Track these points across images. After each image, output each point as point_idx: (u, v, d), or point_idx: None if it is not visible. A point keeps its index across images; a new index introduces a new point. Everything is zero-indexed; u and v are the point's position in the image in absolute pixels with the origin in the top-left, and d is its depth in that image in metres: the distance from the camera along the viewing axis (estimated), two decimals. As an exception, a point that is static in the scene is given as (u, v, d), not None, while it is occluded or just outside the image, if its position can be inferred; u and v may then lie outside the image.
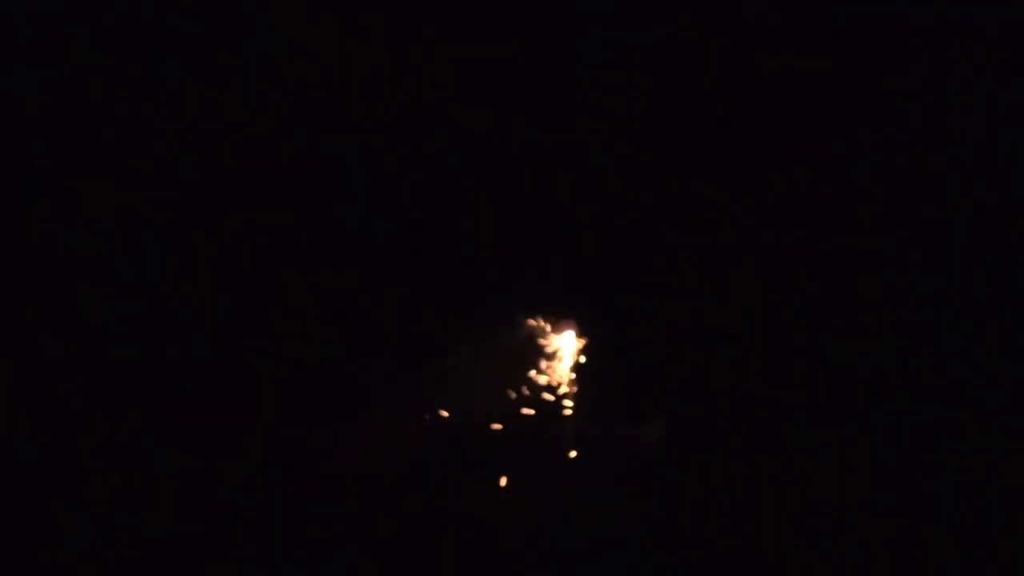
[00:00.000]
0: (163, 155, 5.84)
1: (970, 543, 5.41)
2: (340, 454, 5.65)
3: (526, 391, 5.78)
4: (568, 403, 5.76)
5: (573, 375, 5.79)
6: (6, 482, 5.55)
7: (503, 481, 5.65)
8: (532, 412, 5.75)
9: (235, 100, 5.86)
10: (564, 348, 5.81)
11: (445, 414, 5.74)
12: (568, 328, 5.82)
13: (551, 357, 5.81)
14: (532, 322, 5.83)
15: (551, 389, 5.78)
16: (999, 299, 5.61)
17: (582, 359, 5.80)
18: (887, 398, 5.58)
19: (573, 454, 5.67)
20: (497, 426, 5.73)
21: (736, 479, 5.58)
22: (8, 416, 5.61)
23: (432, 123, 5.90)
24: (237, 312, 5.79)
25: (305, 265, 5.85)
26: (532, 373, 5.79)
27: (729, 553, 5.50)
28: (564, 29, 5.87)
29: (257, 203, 5.86)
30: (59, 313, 5.72)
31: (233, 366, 5.71)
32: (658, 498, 5.60)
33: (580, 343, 5.81)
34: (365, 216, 5.91)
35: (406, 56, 5.89)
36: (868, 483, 5.51)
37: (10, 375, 5.65)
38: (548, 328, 5.83)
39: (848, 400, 5.61)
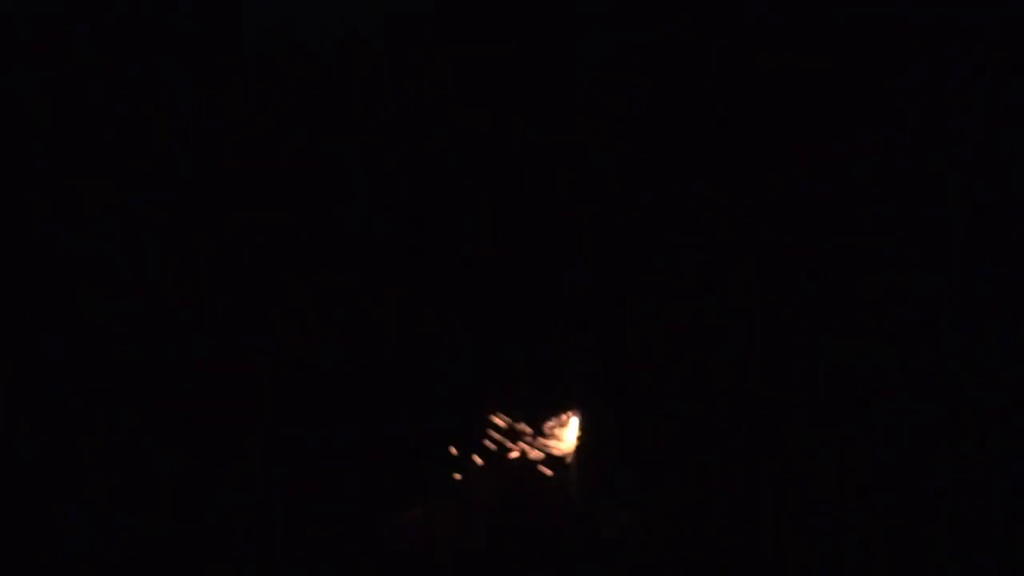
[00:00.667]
0: (163, 155, 5.84)
1: (970, 543, 5.41)
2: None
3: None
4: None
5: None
6: (6, 482, 5.55)
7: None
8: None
9: (235, 100, 5.87)
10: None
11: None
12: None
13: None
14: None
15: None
16: (999, 299, 5.61)
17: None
18: (887, 398, 5.58)
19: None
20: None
21: (735, 479, 5.58)
22: (8, 416, 5.62)
23: (432, 123, 5.90)
24: (237, 312, 5.79)
25: (305, 265, 5.85)
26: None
27: (729, 553, 5.51)
28: (564, 29, 5.87)
29: (257, 203, 5.86)
30: (59, 313, 5.73)
31: (233, 366, 5.71)
32: (657, 498, 5.61)
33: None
34: (365, 216, 5.91)
35: (406, 56, 5.89)
36: (868, 483, 5.51)
37: (10, 375, 5.65)
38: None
39: (848, 400, 5.61)
